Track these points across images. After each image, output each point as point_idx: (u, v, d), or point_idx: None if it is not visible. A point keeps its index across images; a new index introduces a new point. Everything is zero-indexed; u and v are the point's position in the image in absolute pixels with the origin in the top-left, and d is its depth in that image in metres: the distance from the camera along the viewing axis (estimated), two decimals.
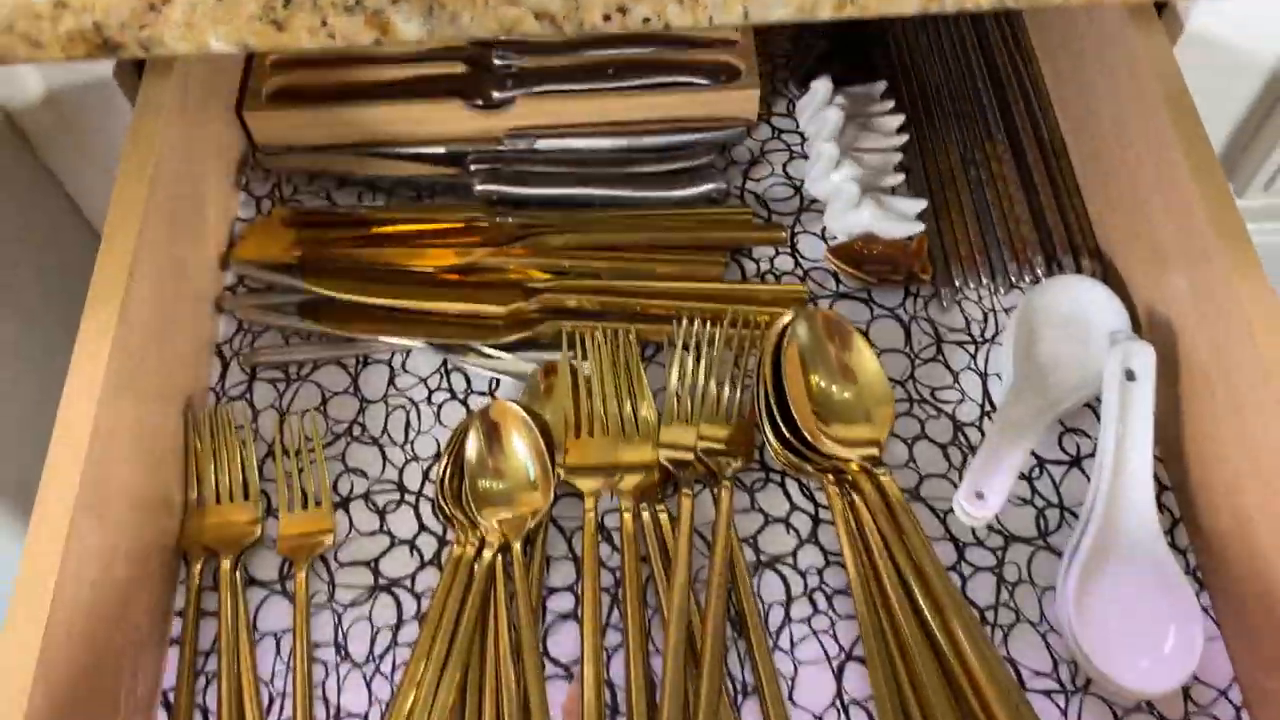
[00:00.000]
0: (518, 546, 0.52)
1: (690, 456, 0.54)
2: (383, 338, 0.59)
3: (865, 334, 0.60)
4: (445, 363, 0.60)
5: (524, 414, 0.55)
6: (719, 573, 0.50)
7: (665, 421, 0.55)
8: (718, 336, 0.57)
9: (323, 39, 0.45)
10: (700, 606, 0.51)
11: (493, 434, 0.54)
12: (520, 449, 0.54)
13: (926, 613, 0.50)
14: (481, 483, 0.53)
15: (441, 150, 0.66)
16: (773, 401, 0.54)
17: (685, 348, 0.57)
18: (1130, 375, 0.52)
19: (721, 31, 0.68)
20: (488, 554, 0.52)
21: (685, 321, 0.58)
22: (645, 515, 0.54)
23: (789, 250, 0.64)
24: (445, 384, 0.59)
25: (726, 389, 0.56)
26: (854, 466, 0.54)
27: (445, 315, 0.60)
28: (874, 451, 0.54)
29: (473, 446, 0.54)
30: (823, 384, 0.55)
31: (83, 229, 0.69)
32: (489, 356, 0.58)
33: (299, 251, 0.61)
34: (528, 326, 0.59)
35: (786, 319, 0.56)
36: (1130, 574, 0.50)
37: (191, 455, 0.56)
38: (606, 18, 0.46)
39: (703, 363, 0.57)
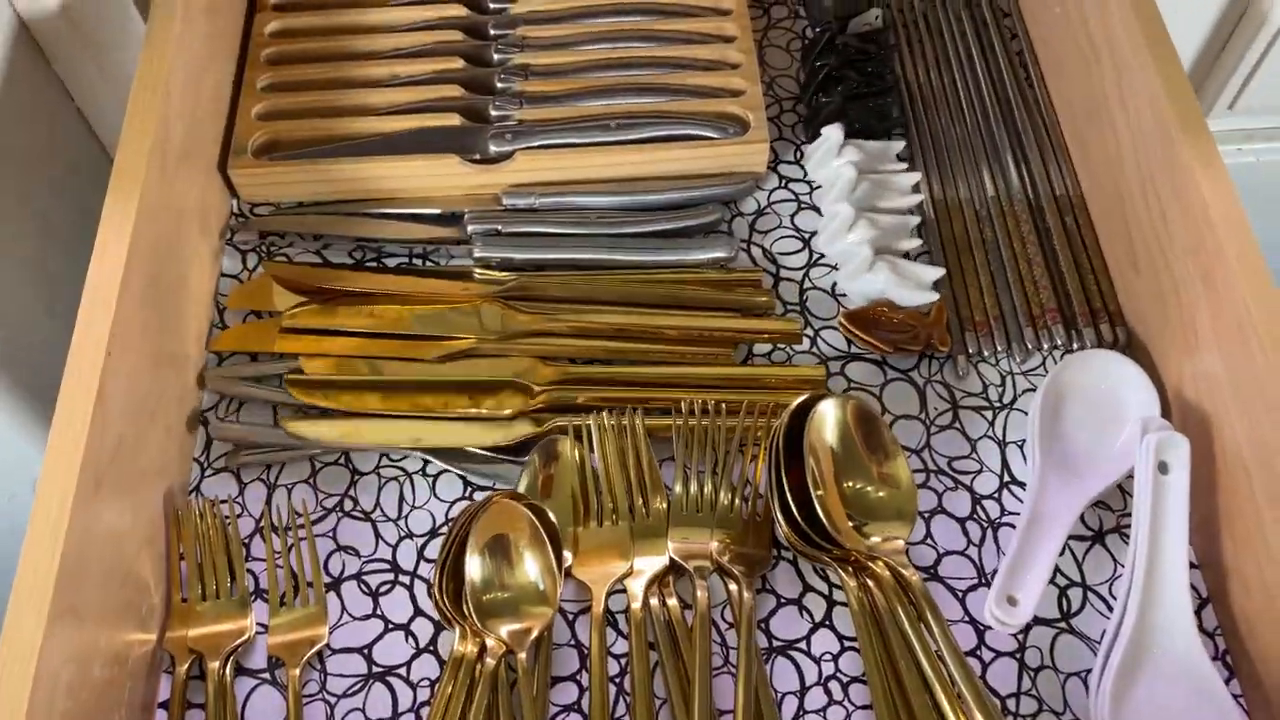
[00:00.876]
0: (523, 656, 0.49)
1: (708, 564, 0.52)
2: (372, 445, 0.56)
3: (879, 397, 0.58)
4: None
5: (531, 516, 0.51)
6: (745, 672, 0.48)
7: (674, 523, 0.53)
8: (722, 431, 0.54)
9: None
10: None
11: (497, 545, 0.50)
12: (529, 561, 0.50)
13: (946, 706, 0.47)
14: (485, 597, 0.50)
15: (437, 211, 0.63)
16: (785, 484, 0.52)
17: (689, 440, 0.54)
18: (1164, 468, 0.50)
19: (729, 81, 0.65)
20: (490, 661, 0.49)
21: (690, 414, 0.55)
22: (654, 601, 0.52)
23: (798, 307, 0.61)
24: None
25: (736, 495, 0.54)
26: (879, 565, 0.51)
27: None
28: (899, 545, 0.51)
29: (475, 566, 0.50)
30: (855, 483, 0.52)
31: (93, 145, 0.69)
32: (487, 459, 0.56)
33: (285, 346, 0.58)
34: (529, 427, 0.55)
35: (799, 400, 0.53)
36: (1168, 679, 0.47)
37: (174, 553, 0.53)
38: None
39: (707, 456, 0.54)
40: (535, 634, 0.49)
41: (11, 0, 0.60)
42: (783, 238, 0.64)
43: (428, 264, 0.63)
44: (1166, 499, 0.49)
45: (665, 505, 0.53)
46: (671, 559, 0.52)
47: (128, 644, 0.48)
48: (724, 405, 0.55)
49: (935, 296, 0.59)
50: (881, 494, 0.52)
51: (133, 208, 0.51)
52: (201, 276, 0.60)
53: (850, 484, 0.52)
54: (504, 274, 0.61)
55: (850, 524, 0.51)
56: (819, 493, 0.51)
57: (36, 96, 0.64)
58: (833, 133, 0.63)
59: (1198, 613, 0.51)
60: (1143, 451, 0.50)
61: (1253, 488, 0.48)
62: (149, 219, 0.52)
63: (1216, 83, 0.66)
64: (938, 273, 0.59)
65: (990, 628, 0.52)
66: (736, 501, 0.53)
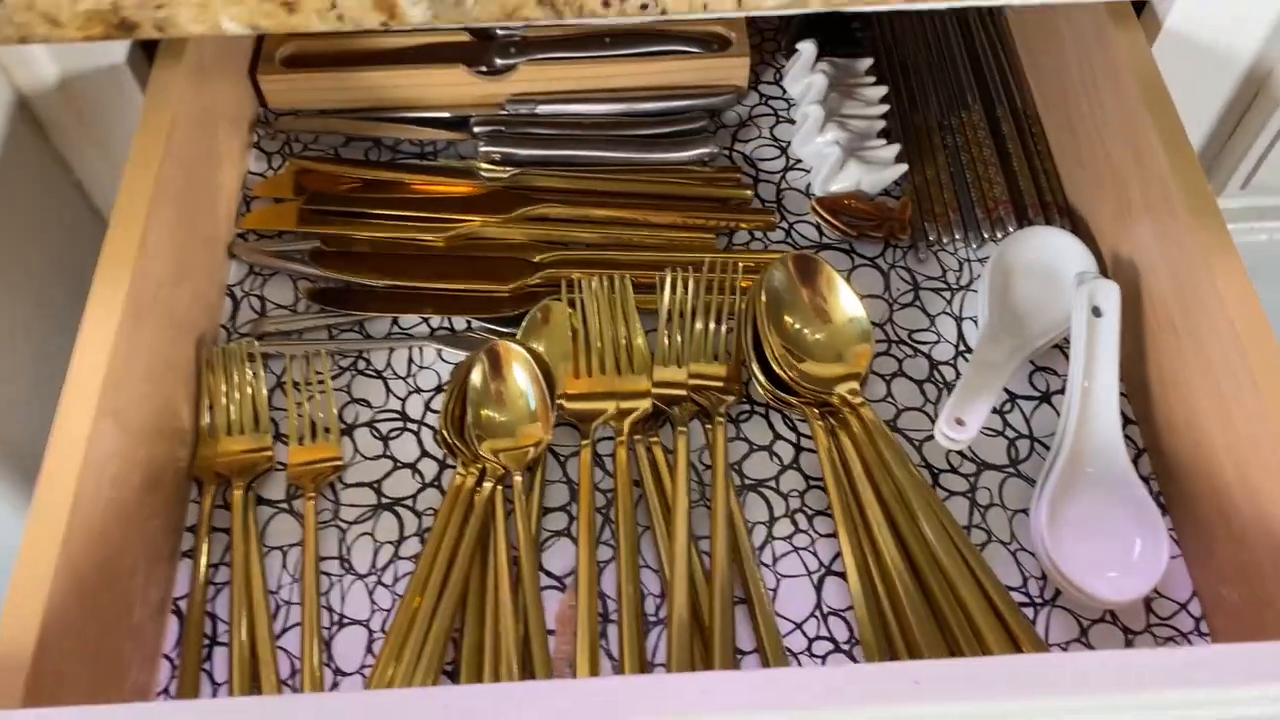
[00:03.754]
0: (518, 478, 0.54)
1: (683, 392, 0.57)
2: (386, 316, 0.62)
3: (848, 280, 0.64)
4: None
5: (524, 350, 0.57)
6: (721, 501, 0.53)
7: (657, 361, 0.58)
8: (700, 281, 0.60)
9: (332, 21, 0.47)
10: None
11: (495, 367, 0.57)
12: (521, 380, 0.56)
13: (903, 528, 0.53)
14: (484, 412, 0.56)
15: (447, 115, 0.69)
16: (763, 337, 0.57)
17: (674, 290, 0.60)
18: (1097, 312, 0.55)
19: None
20: (488, 485, 0.54)
21: (672, 270, 0.60)
22: (639, 447, 0.57)
23: (775, 205, 0.67)
24: (447, 323, 0.62)
25: (712, 328, 0.59)
26: (835, 398, 0.56)
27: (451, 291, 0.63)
28: (854, 385, 0.57)
29: (477, 375, 0.57)
30: (797, 323, 0.58)
31: (92, 217, 0.70)
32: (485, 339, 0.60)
33: (307, 226, 0.64)
34: (530, 301, 0.61)
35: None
36: (1099, 492, 0.52)
37: (204, 386, 0.58)
38: (605, 3, 0.47)
39: (689, 304, 0.60)
40: (531, 455, 0.55)
41: (11, 77, 0.61)
42: (762, 146, 0.70)
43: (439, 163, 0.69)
44: (1100, 338, 0.54)
45: (648, 353, 0.59)
46: (654, 403, 0.57)
47: (163, 460, 0.53)
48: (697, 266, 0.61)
49: (902, 169, 0.65)
50: (820, 334, 0.58)
51: (170, 101, 0.57)
52: (230, 170, 0.66)
53: (793, 322, 0.58)
54: (507, 168, 0.67)
55: (791, 360, 0.57)
56: (761, 333, 0.57)
57: (35, 170, 0.65)
58: (807, 46, 0.69)
59: (1135, 462, 0.56)
60: (1079, 298, 0.55)
61: (1178, 340, 0.54)
62: (185, 108, 0.58)
63: (1229, 162, 0.68)
64: (895, 148, 0.65)
65: (944, 470, 0.57)
66: (709, 337, 0.59)
